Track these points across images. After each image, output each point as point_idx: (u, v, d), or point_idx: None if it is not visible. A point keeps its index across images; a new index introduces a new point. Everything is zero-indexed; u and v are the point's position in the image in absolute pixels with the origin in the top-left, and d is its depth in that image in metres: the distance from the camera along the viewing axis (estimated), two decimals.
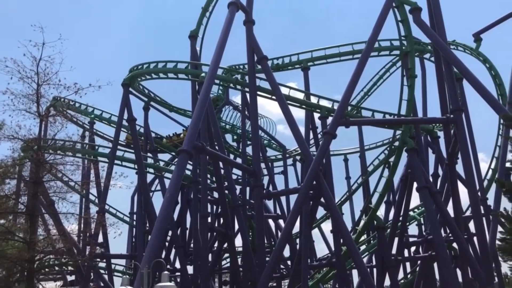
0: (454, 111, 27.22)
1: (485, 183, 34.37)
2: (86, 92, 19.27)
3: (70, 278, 36.55)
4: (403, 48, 30.90)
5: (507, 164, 30.09)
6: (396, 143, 31.08)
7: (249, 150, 35.17)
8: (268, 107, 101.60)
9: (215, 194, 35.31)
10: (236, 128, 44.11)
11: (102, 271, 35.73)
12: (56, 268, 31.66)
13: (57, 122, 19.37)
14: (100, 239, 32.44)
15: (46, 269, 28.37)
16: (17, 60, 18.44)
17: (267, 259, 28.62)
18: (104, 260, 34.90)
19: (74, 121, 35.58)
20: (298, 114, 66.21)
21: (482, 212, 27.40)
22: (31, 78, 18.81)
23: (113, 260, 36.29)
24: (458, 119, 26.92)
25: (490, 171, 35.50)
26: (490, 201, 32.19)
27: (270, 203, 41.47)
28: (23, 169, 21.24)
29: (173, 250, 36.77)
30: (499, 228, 26.42)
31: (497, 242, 17.37)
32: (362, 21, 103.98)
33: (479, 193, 29.07)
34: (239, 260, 34.88)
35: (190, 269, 33.12)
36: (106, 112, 38.59)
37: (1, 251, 18.31)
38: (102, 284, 32.84)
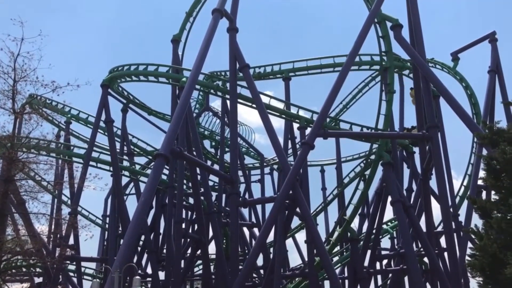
0: (430, 127, 27.68)
1: (457, 199, 35.01)
2: (63, 91, 19.03)
3: (38, 280, 35.74)
4: (383, 63, 31.35)
5: (479, 182, 30.65)
6: (372, 157, 31.45)
7: (226, 157, 35.07)
8: (244, 115, 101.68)
9: (190, 200, 35.04)
10: (214, 135, 44.01)
11: (71, 274, 35.06)
12: (24, 270, 30.92)
13: (32, 120, 19.04)
14: (71, 241, 31.87)
15: (13, 270, 27.66)
16: None
17: (240, 267, 28.53)
18: (74, 263, 34.22)
19: (50, 120, 34.88)
20: (276, 124, 66.34)
21: (454, 228, 27.82)
22: (7, 74, 18.48)
23: (83, 263, 35.62)
24: (434, 135, 27.37)
25: (462, 188, 36.16)
26: (462, 218, 32.76)
27: (245, 211, 41.40)
28: None
29: (145, 255, 36.36)
30: (469, 244, 26.94)
31: (467, 258, 17.65)
32: (344, 36, 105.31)
33: (451, 209, 29.58)
34: (212, 267, 34.66)
35: (161, 275, 32.73)
36: (83, 113, 38.07)
37: None
38: (70, 287, 32.17)
